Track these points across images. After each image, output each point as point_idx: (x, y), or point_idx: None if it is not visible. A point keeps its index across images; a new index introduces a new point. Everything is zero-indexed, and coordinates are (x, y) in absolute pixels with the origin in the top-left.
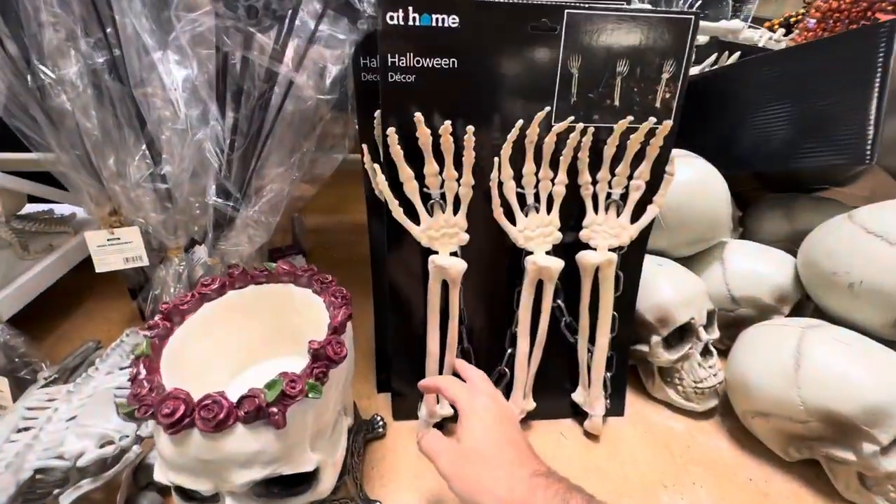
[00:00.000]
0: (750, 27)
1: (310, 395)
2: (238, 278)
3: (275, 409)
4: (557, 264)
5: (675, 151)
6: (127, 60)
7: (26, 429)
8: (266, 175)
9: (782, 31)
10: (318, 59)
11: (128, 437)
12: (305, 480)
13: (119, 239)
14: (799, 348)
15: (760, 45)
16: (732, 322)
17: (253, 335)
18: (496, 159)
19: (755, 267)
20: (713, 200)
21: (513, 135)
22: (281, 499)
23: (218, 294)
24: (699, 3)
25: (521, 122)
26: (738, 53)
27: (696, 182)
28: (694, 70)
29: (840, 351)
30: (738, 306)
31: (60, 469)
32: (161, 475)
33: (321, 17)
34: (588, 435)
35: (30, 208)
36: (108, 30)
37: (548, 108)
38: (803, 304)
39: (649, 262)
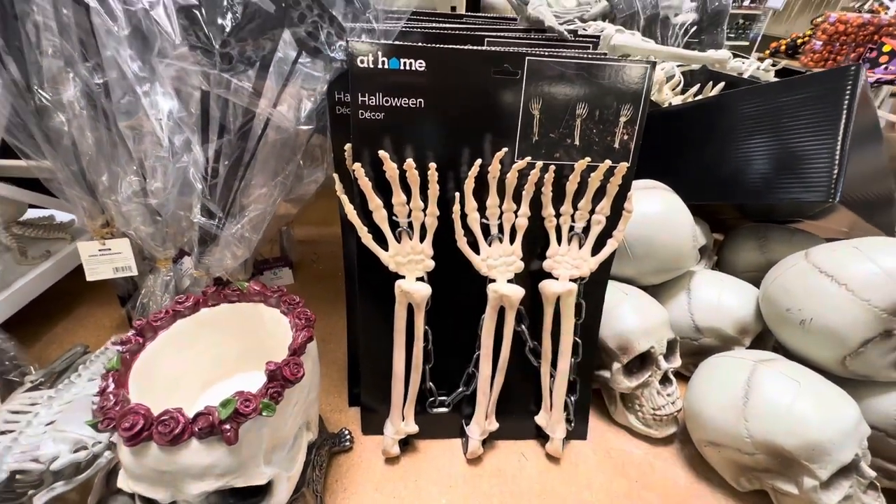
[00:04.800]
0: (736, 56)
1: (264, 414)
2: (211, 296)
3: (227, 427)
4: (518, 292)
5: (644, 182)
6: (112, 94)
7: (8, 431)
8: (250, 195)
9: (769, 61)
10: (295, 95)
11: (101, 442)
12: (260, 492)
13: (110, 249)
14: (749, 381)
15: (746, 75)
16: (696, 350)
17: (224, 351)
18: (457, 194)
19: (720, 298)
20: (677, 232)
21: (473, 171)
22: None
23: (191, 311)
24: (695, 29)
25: (479, 161)
26: (722, 84)
27: (661, 214)
28: (677, 100)
29: (786, 386)
30: (701, 335)
31: (35, 471)
32: (123, 483)
33: (296, 60)
34: (549, 457)
35: (31, 213)
36: (108, 53)
37: (506, 149)
38: (765, 335)
39: (616, 289)
